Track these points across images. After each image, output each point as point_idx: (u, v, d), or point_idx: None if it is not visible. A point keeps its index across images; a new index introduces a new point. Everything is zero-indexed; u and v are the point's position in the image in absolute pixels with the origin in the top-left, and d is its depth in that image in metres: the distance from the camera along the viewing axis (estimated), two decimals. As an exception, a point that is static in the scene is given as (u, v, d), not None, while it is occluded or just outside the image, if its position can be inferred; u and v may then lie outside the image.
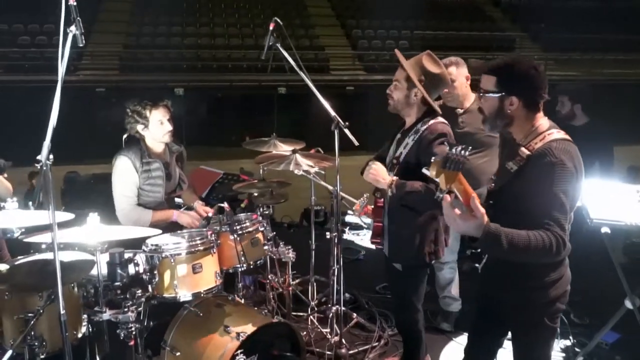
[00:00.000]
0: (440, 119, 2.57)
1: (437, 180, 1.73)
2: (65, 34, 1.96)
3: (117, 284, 2.43)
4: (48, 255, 2.49)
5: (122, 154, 3.02)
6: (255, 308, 2.99)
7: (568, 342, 3.39)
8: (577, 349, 3.35)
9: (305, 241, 3.90)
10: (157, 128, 3.04)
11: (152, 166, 3.09)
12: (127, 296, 2.40)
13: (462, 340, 3.53)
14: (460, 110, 3.35)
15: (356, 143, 2.97)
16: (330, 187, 3.20)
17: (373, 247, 2.77)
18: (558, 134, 1.89)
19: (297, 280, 4.17)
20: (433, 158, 1.77)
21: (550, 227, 1.76)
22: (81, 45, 2.02)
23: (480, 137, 3.17)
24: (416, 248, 2.56)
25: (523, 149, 1.88)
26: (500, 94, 1.90)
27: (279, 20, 2.97)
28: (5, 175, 3.76)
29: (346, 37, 18.58)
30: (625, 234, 5.08)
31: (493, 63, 1.95)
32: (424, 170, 1.77)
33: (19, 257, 2.68)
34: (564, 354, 3.34)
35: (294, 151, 3.21)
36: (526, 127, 1.93)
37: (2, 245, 2.97)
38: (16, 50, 14.26)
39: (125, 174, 3.00)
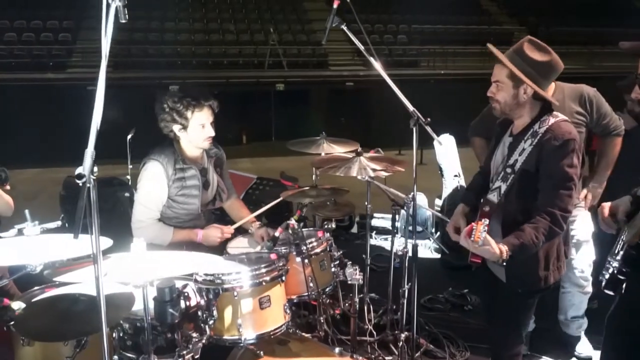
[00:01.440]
0: (561, 116, 2.10)
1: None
2: (107, 6, 1.44)
3: (167, 325, 1.91)
4: (70, 289, 1.99)
5: (153, 157, 2.55)
6: (330, 344, 2.49)
7: None
8: None
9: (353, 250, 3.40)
10: (197, 132, 2.56)
11: (187, 173, 2.60)
12: (180, 339, 1.90)
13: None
14: None
15: (437, 139, 2.49)
16: (402, 195, 2.71)
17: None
18: None
19: (348, 300, 3.68)
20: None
21: None
22: (123, 21, 1.50)
23: None
24: (542, 270, 2.11)
25: None
26: None
27: (344, -4, 2.45)
28: (8, 187, 3.21)
29: (344, 32, 18.11)
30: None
31: None
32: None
33: (32, 290, 2.16)
34: None
35: (357, 153, 2.71)
36: None
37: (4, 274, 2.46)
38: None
39: (152, 182, 2.53)
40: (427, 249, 5.34)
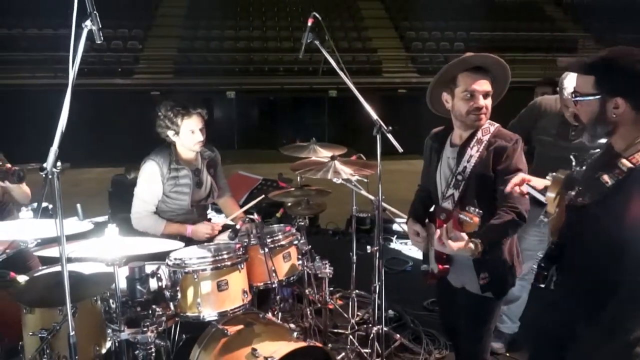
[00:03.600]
0: (495, 123, 2.26)
1: (546, 200, 1.59)
2: (79, 30, 1.78)
3: (137, 300, 2.25)
4: (71, 267, 2.36)
5: (151, 158, 2.93)
6: (289, 326, 2.76)
7: None
8: None
9: (350, 250, 3.64)
10: (187, 137, 2.90)
11: (180, 173, 2.96)
12: (148, 314, 2.23)
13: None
14: None
15: (400, 149, 2.68)
16: (372, 197, 2.93)
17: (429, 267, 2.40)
18: None
19: (338, 295, 3.92)
20: (552, 176, 1.55)
21: None
22: (99, 42, 1.82)
23: None
24: (509, 269, 2.25)
25: (625, 160, 1.55)
26: (600, 97, 1.58)
27: (317, 16, 2.71)
28: (24, 186, 3.71)
29: (399, 39, 18.21)
30: None
31: (588, 60, 1.63)
32: (528, 189, 1.68)
33: (41, 268, 2.57)
34: None
35: (332, 158, 2.96)
36: (631, 135, 1.59)
37: (30, 255, 2.90)
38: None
39: (149, 179, 2.90)
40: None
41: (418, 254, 5.67)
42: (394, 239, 5.95)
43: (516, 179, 1.89)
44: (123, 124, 12.86)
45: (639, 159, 1.53)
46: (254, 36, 17.47)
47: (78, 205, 6.28)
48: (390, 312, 3.74)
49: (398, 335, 3.35)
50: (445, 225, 1.94)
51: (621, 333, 1.56)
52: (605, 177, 1.57)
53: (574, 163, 1.75)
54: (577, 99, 1.65)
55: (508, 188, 1.90)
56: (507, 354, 3.32)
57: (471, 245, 1.95)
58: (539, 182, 1.87)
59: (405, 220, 2.54)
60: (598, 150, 1.78)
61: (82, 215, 6.23)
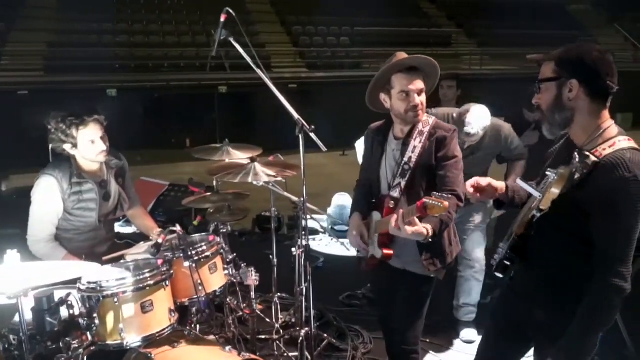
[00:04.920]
0: (433, 117, 2.44)
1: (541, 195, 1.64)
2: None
3: (47, 333, 1.97)
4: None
5: (48, 172, 2.57)
6: (216, 338, 2.60)
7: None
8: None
9: (260, 251, 3.55)
10: (87, 148, 2.59)
11: (84, 187, 2.65)
12: (60, 346, 1.96)
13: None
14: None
15: (324, 148, 2.64)
16: (294, 199, 2.86)
17: (337, 253, 2.46)
18: (629, 142, 1.61)
19: (259, 299, 3.80)
20: (556, 172, 1.61)
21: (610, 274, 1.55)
22: None
23: None
24: (448, 246, 2.43)
25: (587, 154, 1.59)
26: (558, 79, 1.64)
27: (231, 11, 2.58)
28: None
29: (287, 34, 18.22)
30: None
31: (554, 51, 1.70)
32: (521, 183, 1.75)
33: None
34: None
35: (252, 160, 2.83)
36: (590, 126, 1.65)
37: None
38: None
39: (46, 198, 2.56)
40: (347, 247, 5.52)
41: (328, 249, 5.76)
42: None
43: (471, 181, 1.98)
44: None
45: (602, 153, 1.58)
46: (135, 30, 16.46)
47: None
48: (313, 311, 3.69)
49: (325, 335, 3.32)
50: (402, 211, 2.05)
51: (585, 319, 1.63)
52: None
53: (577, 159, 1.69)
54: (539, 84, 1.70)
55: (468, 190, 1.98)
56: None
57: (423, 231, 2.04)
58: (484, 181, 1.96)
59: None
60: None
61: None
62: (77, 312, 2.08)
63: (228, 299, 3.13)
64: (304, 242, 2.80)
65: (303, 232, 2.77)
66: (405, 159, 2.37)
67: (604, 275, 1.58)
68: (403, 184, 2.37)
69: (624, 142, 1.60)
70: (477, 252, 3.44)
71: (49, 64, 14.08)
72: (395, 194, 2.39)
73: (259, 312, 3.54)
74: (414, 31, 18.82)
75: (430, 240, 2.11)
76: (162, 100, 15.56)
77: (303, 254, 2.84)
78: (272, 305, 3.52)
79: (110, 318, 2.07)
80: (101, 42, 15.35)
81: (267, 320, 3.49)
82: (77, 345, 1.97)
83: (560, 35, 19.95)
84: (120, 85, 14.31)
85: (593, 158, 1.58)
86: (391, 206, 2.36)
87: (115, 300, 2.06)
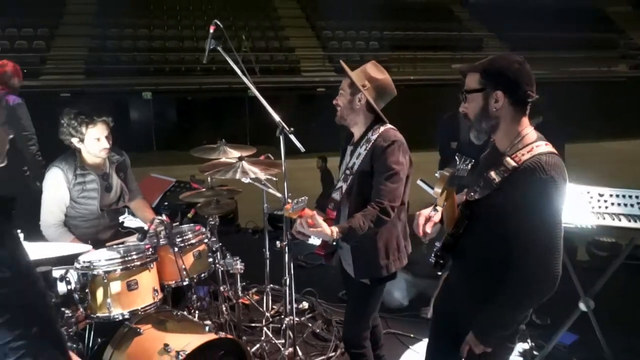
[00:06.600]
0: (390, 125, 2.48)
1: (435, 195, 1.74)
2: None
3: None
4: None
5: (55, 165, 2.91)
6: (202, 322, 2.87)
7: (526, 346, 3.34)
8: (535, 352, 3.31)
9: (270, 247, 3.77)
10: (93, 145, 2.91)
11: (87, 178, 2.97)
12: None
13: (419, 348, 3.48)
14: None
15: (302, 149, 2.87)
16: (278, 195, 3.10)
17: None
18: (546, 146, 1.75)
19: (253, 290, 4.06)
20: (439, 173, 1.69)
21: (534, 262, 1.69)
22: None
23: None
24: (383, 259, 2.44)
25: (508, 159, 1.73)
26: (484, 90, 1.77)
27: (219, 23, 2.86)
28: None
29: (316, 39, 18.52)
30: (590, 232, 5.09)
31: (477, 63, 1.83)
32: (421, 184, 1.75)
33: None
34: (522, 358, 3.29)
35: (240, 158, 3.10)
36: (512, 132, 1.78)
37: None
38: None
39: (54, 187, 2.88)
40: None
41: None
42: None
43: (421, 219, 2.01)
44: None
45: (522, 158, 1.72)
46: (169, 35, 17.10)
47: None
48: (304, 303, 3.94)
49: (310, 325, 3.54)
50: (309, 212, 2.21)
51: (510, 311, 1.78)
52: (493, 175, 1.76)
53: (458, 162, 1.91)
54: (466, 94, 1.82)
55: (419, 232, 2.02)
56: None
57: (327, 231, 2.19)
58: (426, 211, 2.03)
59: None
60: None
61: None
62: (73, 288, 2.39)
63: (222, 288, 3.40)
64: (288, 236, 2.98)
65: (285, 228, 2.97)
66: (350, 164, 2.47)
67: (526, 268, 1.72)
68: (344, 188, 2.47)
69: (542, 147, 1.74)
70: None
71: (89, 67, 14.81)
72: (337, 196, 2.51)
73: (252, 301, 3.81)
74: (444, 35, 18.80)
75: (334, 242, 2.26)
76: (194, 102, 16.12)
77: (287, 247, 3.07)
78: (264, 295, 3.77)
79: (99, 293, 2.38)
80: (137, 47, 15.99)
81: (260, 309, 3.75)
82: (70, 316, 2.27)
83: (599, 38, 19.63)
84: (155, 88, 14.91)
85: (512, 162, 1.72)
86: (331, 207, 2.50)
87: (104, 278, 2.36)
